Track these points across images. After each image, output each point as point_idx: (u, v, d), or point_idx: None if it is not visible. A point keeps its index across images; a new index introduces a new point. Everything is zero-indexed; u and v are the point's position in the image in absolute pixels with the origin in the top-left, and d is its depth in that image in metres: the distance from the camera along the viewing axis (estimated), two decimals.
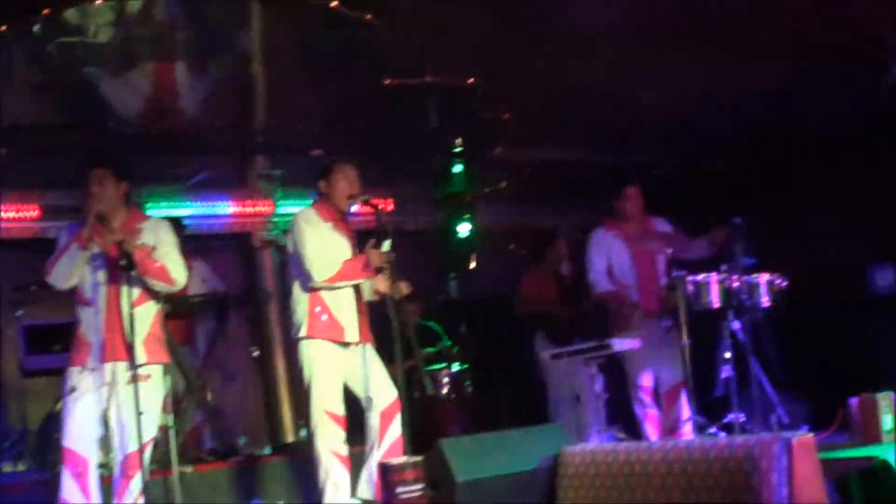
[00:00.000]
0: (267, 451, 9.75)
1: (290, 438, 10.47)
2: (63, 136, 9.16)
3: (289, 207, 10.59)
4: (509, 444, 6.24)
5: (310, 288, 7.00)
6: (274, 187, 10.76)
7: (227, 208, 10.85)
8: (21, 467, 8.53)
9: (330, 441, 6.90)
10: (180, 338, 9.12)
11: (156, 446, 7.61)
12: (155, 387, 6.59)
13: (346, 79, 8.81)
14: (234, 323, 9.99)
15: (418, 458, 5.98)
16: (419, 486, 5.85)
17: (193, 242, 9.97)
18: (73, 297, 6.57)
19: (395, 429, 6.98)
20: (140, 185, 9.86)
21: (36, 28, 8.20)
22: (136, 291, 6.45)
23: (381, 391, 7.01)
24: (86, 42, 8.41)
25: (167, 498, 7.30)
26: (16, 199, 9.71)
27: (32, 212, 9.81)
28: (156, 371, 6.60)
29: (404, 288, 7.06)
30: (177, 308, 8.75)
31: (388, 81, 8.66)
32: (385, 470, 5.91)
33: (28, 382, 9.34)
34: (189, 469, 7.99)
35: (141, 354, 6.37)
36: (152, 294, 6.62)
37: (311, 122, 9.66)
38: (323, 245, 6.99)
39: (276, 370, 10.74)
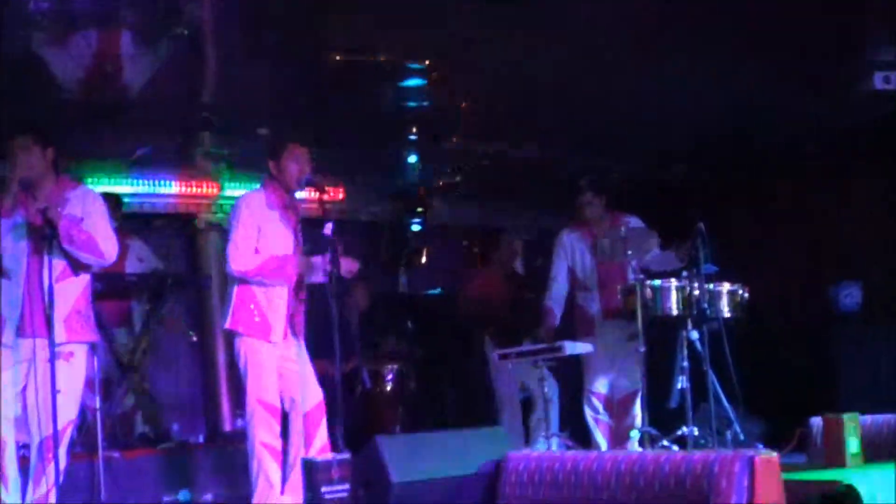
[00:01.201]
0: (201, 439, 9.45)
1: (227, 428, 10.19)
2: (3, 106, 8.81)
3: (235, 190, 10.40)
4: (450, 445, 5.98)
5: (235, 278, 6.79)
6: (220, 168, 10.52)
7: (170, 187, 10.59)
8: None
9: (263, 433, 6.66)
10: (115, 318, 8.87)
11: (83, 429, 7.41)
12: (77, 367, 6.27)
13: (297, 58, 8.49)
14: (172, 306, 9.65)
15: (345, 457, 5.73)
16: (346, 486, 5.57)
17: (133, 221, 9.76)
18: None
19: (323, 432, 6.75)
20: (80, 159, 9.67)
21: None
22: (60, 265, 6.13)
23: (307, 392, 6.79)
24: (27, 5, 8.11)
25: (91, 484, 7.08)
26: None
27: None
28: (79, 350, 6.30)
29: (351, 264, 6.77)
30: (112, 287, 8.53)
31: (337, 57, 8.31)
32: (309, 468, 5.65)
33: None
34: (116, 454, 7.73)
35: (61, 332, 6.07)
36: (79, 268, 6.25)
37: (261, 102, 9.35)
38: (255, 234, 6.77)
39: (214, 357, 10.52)
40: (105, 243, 6.31)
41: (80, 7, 7.94)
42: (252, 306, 6.74)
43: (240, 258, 6.70)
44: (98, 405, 7.58)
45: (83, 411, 8.08)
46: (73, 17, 8.00)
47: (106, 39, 8.36)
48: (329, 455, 6.00)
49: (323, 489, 5.57)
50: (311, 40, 8.32)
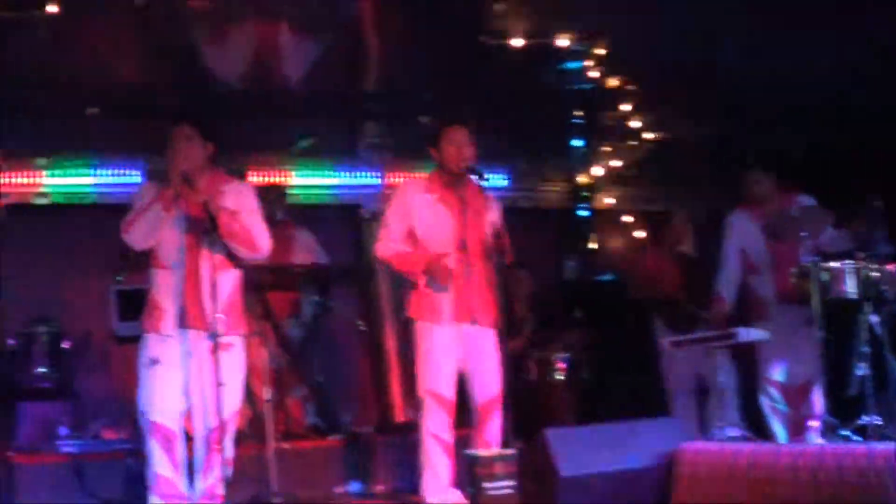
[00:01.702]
0: (372, 430, 9.42)
1: (399, 418, 10.16)
2: (166, 99, 8.96)
3: (399, 179, 10.34)
4: (621, 437, 5.87)
5: None
6: (383, 157, 10.42)
7: (335, 177, 10.57)
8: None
9: (432, 423, 6.59)
10: (284, 310, 8.87)
11: (253, 421, 7.46)
12: (238, 358, 6.29)
13: (456, 43, 8.40)
14: (340, 296, 9.65)
15: (509, 452, 5.57)
16: (510, 483, 5.42)
17: (298, 212, 9.78)
18: (148, 260, 6.27)
19: (494, 428, 6.58)
20: (244, 151, 9.77)
21: None
22: (218, 257, 6.12)
23: (483, 383, 6.66)
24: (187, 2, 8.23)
25: (261, 475, 7.01)
26: (119, 163, 9.51)
27: (136, 176, 9.64)
28: (238, 341, 6.31)
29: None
30: (280, 279, 8.54)
31: (497, 40, 8.20)
32: (472, 463, 5.52)
33: (121, 349, 9.17)
34: (286, 446, 7.73)
35: (221, 324, 6.04)
36: (234, 261, 6.27)
37: (422, 89, 9.28)
38: (402, 220, 6.79)
39: (385, 346, 10.45)
40: (260, 237, 6.31)
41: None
42: (425, 288, 6.73)
43: (381, 244, 6.80)
44: (268, 397, 7.62)
45: (253, 402, 8.19)
46: (232, 10, 8.06)
47: (265, 31, 8.41)
48: (493, 450, 5.86)
49: (485, 485, 5.45)
50: (471, 24, 8.24)
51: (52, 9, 7.89)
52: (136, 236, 6.11)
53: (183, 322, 6.12)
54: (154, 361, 6.12)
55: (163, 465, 6.09)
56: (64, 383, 8.79)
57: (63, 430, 8.34)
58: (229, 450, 6.17)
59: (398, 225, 6.78)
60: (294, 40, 8.67)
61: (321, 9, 8.38)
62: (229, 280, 6.27)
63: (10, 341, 8.80)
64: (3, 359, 8.91)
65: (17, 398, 8.93)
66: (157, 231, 6.12)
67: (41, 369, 8.66)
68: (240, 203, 6.29)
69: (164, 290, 6.16)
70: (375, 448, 8.20)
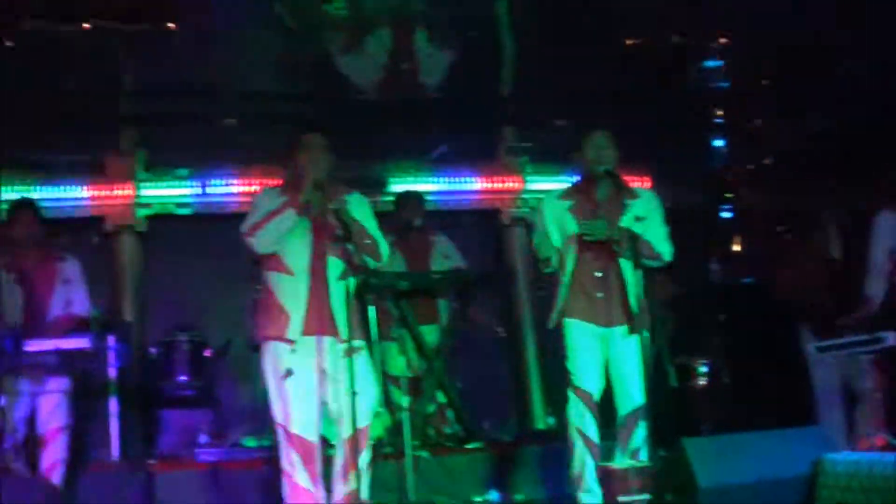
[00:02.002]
0: (512, 437, 9.33)
1: (538, 426, 10.06)
2: (303, 108, 9.02)
3: (539, 184, 10.32)
4: (763, 446, 5.69)
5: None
6: (523, 162, 10.34)
7: (473, 183, 10.52)
8: (266, 441, 8.38)
9: (577, 419, 6.47)
10: (421, 316, 8.82)
11: (392, 429, 7.44)
12: (365, 364, 6.24)
13: (594, 44, 8.28)
14: (480, 302, 9.57)
15: (644, 464, 5.42)
16: (644, 497, 5.28)
17: (437, 218, 9.76)
18: (266, 264, 6.28)
19: (635, 440, 6.38)
20: (383, 159, 9.78)
21: None
22: (340, 264, 6.14)
23: (625, 391, 6.50)
24: (323, 11, 8.27)
25: (399, 483, 7.06)
26: (260, 172, 9.60)
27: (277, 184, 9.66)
28: (363, 347, 6.27)
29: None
30: (418, 285, 8.56)
31: (634, 41, 8.05)
32: (606, 475, 5.39)
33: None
34: (424, 454, 7.70)
35: (346, 330, 6.04)
36: (354, 268, 6.23)
37: (560, 93, 9.17)
38: (552, 228, 6.67)
39: (524, 353, 10.38)
40: (383, 246, 6.33)
41: (374, 7, 8.01)
42: (578, 291, 6.61)
43: (542, 259, 6.67)
44: (406, 404, 7.59)
45: (392, 410, 8.17)
46: (368, 18, 8.06)
47: (401, 38, 8.40)
48: (627, 462, 5.72)
49: (620, 498, 5.32)
50: (607, 25, 8.11)
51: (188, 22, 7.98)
52: (264, 241, 6.13)
53: (312, 329, 6.11)
54: (288, 373, 6.10)
55: (301, 476, 6.08)
56: (205, 391, 8.92)
57: (203, 438, 8.43)
58: (366, 458, 6.12)
59: (548, 235, 6.68)
60: (430, 47, 8.62)
61: (456, 14, 8.34)
62: (351, 286, 6.24)
63: (153, 350, 8.93)
64: (145, 367, 9.07)
65: (159, 406, 9.07)
66: (285, 236, 6.13)
67: (183, 378, 8.79)
68: (360, 213, 6.29)
69: (290, 296, 6.16)
70: (515, 456, 8.09)
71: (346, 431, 6.02)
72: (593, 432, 6.45)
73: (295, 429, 6.08)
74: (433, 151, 10.11)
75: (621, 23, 8.04)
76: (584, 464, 6.38)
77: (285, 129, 8.87)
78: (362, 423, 5.99)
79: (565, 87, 9.23)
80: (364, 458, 6.08)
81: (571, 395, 6.55)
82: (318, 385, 6.14)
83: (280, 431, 6.15)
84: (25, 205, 8.07)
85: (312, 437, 6.12)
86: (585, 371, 6.57)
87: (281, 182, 6.47)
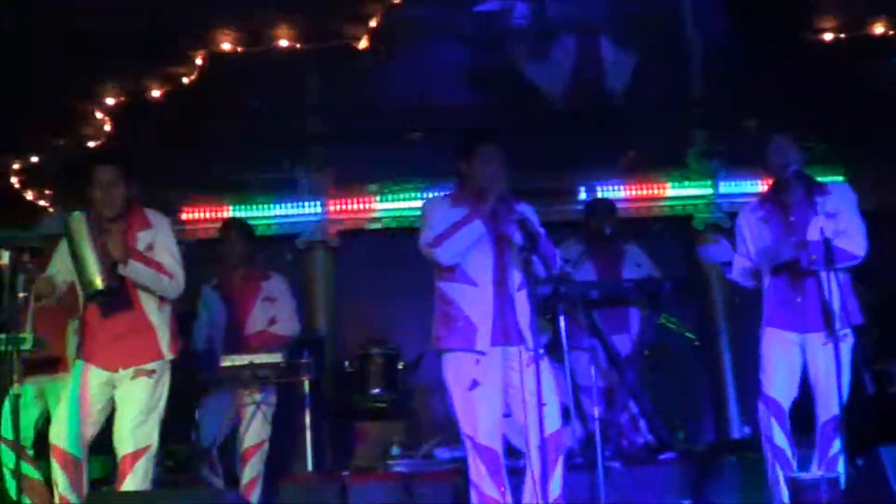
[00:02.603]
0: (707, 447, 9.14)
1: (735, 435, 9.85)
2: (489, 118, 9.03)
3: (731, 188, 10.17)
4: None
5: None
6: (715, 166, 10.14)
7: (663, 190, 10.35)
8: (458, 452, 8.39)
9: (771, 431, 6.35)
10: (612, 325, 8.72)
11: (585, 440, 7.38)
12: (554, 374, 6.20)
13: (783, 41, 8.05)
14: (673, 310, 9.41)
15: (834, 475, 5.23)
16: None
17: (629, 226, 9.66)
18: (447, 276, 6.25)
19: (832, 449, 6.22)
20: (571, 168, 9.73)
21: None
22: (520, 275, 6.10)
23: (826, 395, 6.30)
24: (506, 20, 8.28)
25: (592, 495, 6.98)
26: (447, 186, 9.57)
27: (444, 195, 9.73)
28: (551, 357, 6.27)
29: None
30: (609, 293, 8.52)
31: (825, 36, 7.79)
32: (795, 487, 5.21)
33: None
34: (617, 464, 7.58)
35: (530, 340, 6.00)
36: (535, 278, 6.15)
37: (750, 93, 8.95)
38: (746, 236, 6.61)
39: (720, 360, 10.19)
40: (557, 257, 6.31)
41: (557, 16, 7.97)
42: (777, 297, 6.50)
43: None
44: (598, 414, 7.50)
45: (584, 421, 8.09)
46: (552, 27, 8.03)
47: (585, 45, 8.34)
48: (818, 472, 5.53)
49: None
50: (800, 18, 7.88)
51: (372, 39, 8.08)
52: (450, 252, 6.13)
53: (498, 340, 6.10)
54: (474, 384, 6.09)
55: (489, 487, 6.07)
56: (399, 403, 8.98)
57: (395, 450, 8.49)
58: (555, 468, 6.04)
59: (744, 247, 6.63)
60: (615, 52, 8.53)
61: (640, 17, 8.23)
62: (527, 297, 6.17)
63: (346, 363, 9.04)
64: (339, 380, 9.18)
65: (354, 419, 9.17)
66: (470, 247, 6.12)
67: (376, 390, 8.86)
68: (534, 222, 6.23)
69: (476, 307, 6.14)
70: (710, 466, 7.91)
71: (534, 442, 5.97)
72: (783, 441, 6.30)
73: (482, 440, 6.08)
74: (623, 156, 9.96)
75: (815, 15, 7.75)
76: (774, 473, 6.27)
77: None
78: (551, 432, 5.93)
79: (757, 86, 8.99)
80: (553, 468, 6.00)
81: (761, 403, 6.44)
82: (504, 396, 6.14)
83: (467, 442, 6.16)
84: (235, 225, 8.30)
85: (498, 448, 6.11)
86: (777, 379, 6.43)
87: (454, 193, 6.44)
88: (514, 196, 6.27)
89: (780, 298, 6.48)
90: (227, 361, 7.59)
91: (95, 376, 6.26)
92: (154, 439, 6.30)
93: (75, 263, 6.04)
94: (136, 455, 6.20)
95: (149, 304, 6.36)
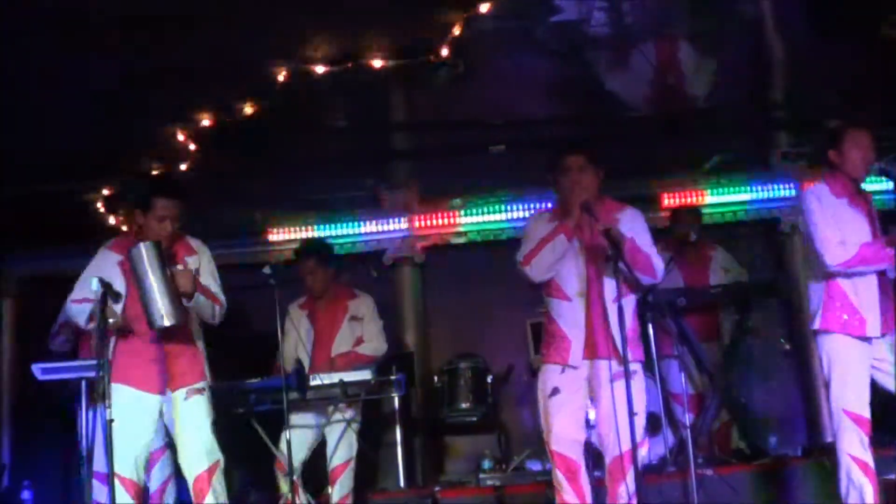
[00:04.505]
0: (800, 452, 9.04)
1: (827, 439, 9.71)
2: (572, 129, 9.04)
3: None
4: None
5: (826, 274, 6.30)
6: (798, 167, 10.02)
7: (748, 193, 10.23)
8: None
9: (849, 444, 6.20)
10: (702, 332, 8.69)
11: (676, 447, 7.35)
12: (640, 384, 6.09)
13: (867, 39, 7.95)
14: (761, 315, 9.33)
15: None
16: None
17: (715, 231, 9.62)
18: (546, 291, 6.25)
19: None
20: (655, 175, 9.68)
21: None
22: (619, 285, 6.01)
23: None
24: (586, 31, 8.29)
25: (684, 502, 7.01)
26: (530, 198, 9.70)
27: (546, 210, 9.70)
28: (640, 369, 6.16)
29: None
30: (696, 300, 8.44)
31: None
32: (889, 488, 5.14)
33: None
34: (709, 471, 7.52)
35: (625, 350, 5.90)
36: (634, 287, 6.15)
37: (829, 92, 8.84)
38: (836, 225, 6.25)
39: (811, 365, 10.01)
40: (658, 262, 6.21)
41: (636, 22, 7.96)
42: (839, 304, 6.29)
43: (834, 252, 6.22)
44: (688, 422, 7.47)
45: (675, 428, 8.05)
46: (631, 34, 8.02)
47: (664, 51, 8.31)
48: None
49: None
50: (882, 13, 7.79)
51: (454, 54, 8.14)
52: (539, 269, 6.13)
53: (590, 352, 6.09)
54: (555, 391, 6.11)
55: (568, 494, 6.09)
56: (489, 417, 9.00)
57: (486, 463, 8.51)
58: (631, 482, 5.95)
59: (837, 232, 6.26)
60: (694, 57, 8.50)
61: (719, 20, 8.20)
62: (629, 306, 6.15)
63: (435, 378, 9.09)
64: (429, 396, 9.22)
65: (444, 433, 9.20)
66: (559, 262, 6.12)
67: (466, 404, 8.88)
68: (634, 229, 6.18)
69: (569, 320, 6.15)
70: (803, 472, 7.83)
71: (617, 451, 5.98)
72: (857, 449, 6.20)
73: (557, 447, 6.11)
74: (708, 161, 9.90)
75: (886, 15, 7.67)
76: (848, 477, 6.22)
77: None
78: (638, 442, 5.89)
79: (839, 85, 8.89)
80: (630, 480, 5.93)
81: (842, 416, 6.28)
82: (587, 405, 6.16)
83: (547, 450, 6.19)
84: (310, 253, 8.31)
85: (575, 456, 6.11)
86: (857, 387, 6.27)
87: (552, 208, 6.44)
88: (617, 202, 6.31)
89: (841, 301, 6.29)
90: (316, 380, 7.65)
91: (136, 399, 6.30)
92: (221, 454, 6.39)
93: (142, 293, 6.04)
94: (211, 471, 6.31)
95: (195, 327, 6.49)
